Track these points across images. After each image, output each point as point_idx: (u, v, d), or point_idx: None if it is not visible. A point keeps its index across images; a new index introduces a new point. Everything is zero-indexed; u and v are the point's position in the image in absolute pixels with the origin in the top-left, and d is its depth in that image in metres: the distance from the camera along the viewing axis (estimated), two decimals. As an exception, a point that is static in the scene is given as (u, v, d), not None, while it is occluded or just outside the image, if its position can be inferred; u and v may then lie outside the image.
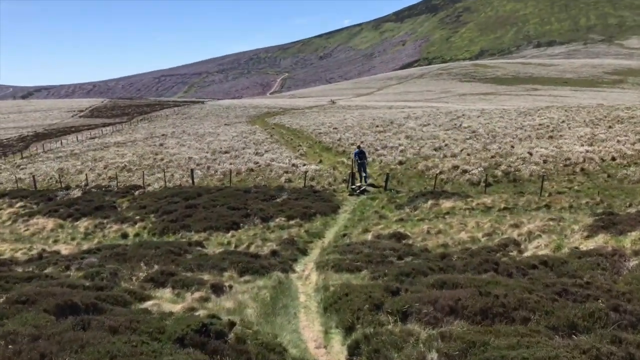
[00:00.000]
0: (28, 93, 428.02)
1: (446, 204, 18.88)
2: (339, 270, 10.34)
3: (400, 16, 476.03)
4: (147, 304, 7.62)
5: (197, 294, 8.41)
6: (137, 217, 19.24)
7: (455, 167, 27.16)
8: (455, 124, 46.76)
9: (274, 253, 12.75)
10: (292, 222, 17.36)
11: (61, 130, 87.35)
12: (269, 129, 55.90)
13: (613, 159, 27.13)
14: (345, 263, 10.73)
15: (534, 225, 14.56)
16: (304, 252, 13.85)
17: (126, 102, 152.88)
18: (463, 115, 55.82)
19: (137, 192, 25.56)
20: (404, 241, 13.92)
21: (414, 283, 8.02)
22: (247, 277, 10.08)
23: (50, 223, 19.70)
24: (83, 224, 19.24)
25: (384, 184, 24.07)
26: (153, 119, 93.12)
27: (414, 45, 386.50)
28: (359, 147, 27.04)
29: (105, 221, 19.20)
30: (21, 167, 45.15)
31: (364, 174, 24.85)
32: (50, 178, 35.11)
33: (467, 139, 37.55)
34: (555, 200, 18.91)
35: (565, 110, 55.35)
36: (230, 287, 9.04)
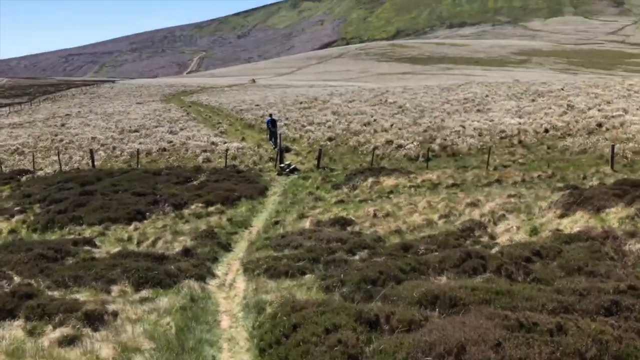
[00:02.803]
0: None
1: (388, 181, 16.67)
2: (274, 274, 7.71)
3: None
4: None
5: (58, 331, 5.47)
6: (17, 209, 15.46)
7: (389, 142, 25.17)
8: (380, 100, 45.13)
9: (186, 252, 9.79)
10: (211, 208, 14.38)
11: (-55, 112, 77.66)
12: (185, 107, 51.73)
13: (546, 130, 26.30)
14: (282, 263, 8.09)
15: (495, 204, 12.62)
16: (227, 248, 10.97)
17: (28, 82, 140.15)
18: (387, 91, 54.54)
19: (24, 178, 21.44)
20: (349, 228, 11.46)
21: (389, 298, 5.55)
22: (145, 293, 7.15)
23: None
24: (-58, 219, 15.24)
25: (315, 161, 21.58)
26: (58, 99, 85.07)
27: (332, 26, 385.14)
28: (270, 115, 27.59)
29: (-27, 215, 15.31)
30: None
31: (276, 142, 25.16)
32: None
33: (395, 114, 35.91)
34: (505, 174, 17.23)
35: (486, 86, 55.50)
36: (116, 314, 6.12)
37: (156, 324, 5.98)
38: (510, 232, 10.26)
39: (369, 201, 14.77)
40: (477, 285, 5.54)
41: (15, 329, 5.75)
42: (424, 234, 10.65)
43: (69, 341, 5.34)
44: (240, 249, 11.01)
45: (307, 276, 7.51)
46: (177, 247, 10.52)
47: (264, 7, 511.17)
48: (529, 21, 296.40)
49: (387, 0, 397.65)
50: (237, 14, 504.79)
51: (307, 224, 12.07)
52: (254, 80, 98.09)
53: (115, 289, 7.25)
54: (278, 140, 24.91)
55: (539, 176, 16.62)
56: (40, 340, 5.39)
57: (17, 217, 14.49)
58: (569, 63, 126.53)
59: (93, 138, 32.91)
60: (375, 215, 12.72)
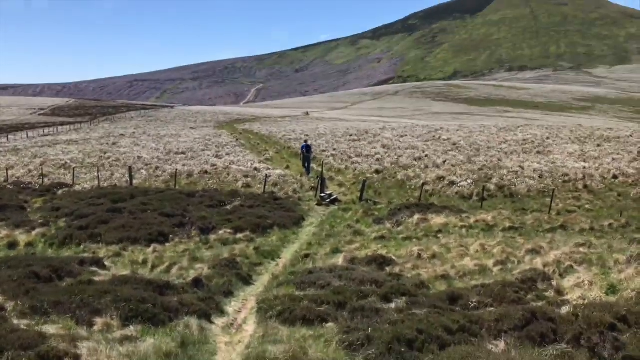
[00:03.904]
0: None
1: (437, 219, 15.07)
2: (290, 319, 6.35)
3: (377, 34, 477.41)
4: None
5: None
6: (41, 221, 14.80)
7: (441, 178, 23.53)
8: (434, 136, 43.55)
9: (197, 283, 8.56)
10: (240, 235, 13.20)
11: (13, 127, 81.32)
12: (236, 134, 51.73)
13: (615, 177, 24.16)
14: (301, 306, 6.73)
15: (561, 253, 10.85)
16: (247, 280, 9.68)
17: (92, 103, 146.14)
18: (441, 128, 53.06)
19: (60, 192, 21.04)
20: (388, 269, 9.96)
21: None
22: (132, 330, 5.92)
23: None
24: (-33, 227, 14.74)
25: (358, 193, 20.20)
26: (116, 120, 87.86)
27: (390, 63, 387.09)
28: (306, 141, 28.01)
29: (-3, 225, 14.74)
30: (-51, 161, 39.72)
31: (309, 168, 25.81)
32: (-28, 174, 30.15)
33: (449, 150, 34.24)
34: (570, 220, 15.31)
35: (546, 128, 53.12)
36: (78, 357, 4.89)
37: (124, 375, 4.73)
38: (581, 288, 8.53)
39: (414, 240, 13.22)
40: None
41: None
42: (475, 282, 9.05)
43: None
44: (262, 282, 9.69)
45: (329, 325, 6.11)
46: (192, 275, 9.32)
47: (323, 43, 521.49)
48: (594, 68, 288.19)
49: (446, 41, 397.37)
50: (297, 49, 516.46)
51: (340, 260, 10.65)
52: (307, 113, 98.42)
53: (99, 321, 6.06)
54: (309, 164, 25.66)
55: (610, 225, 14.63)
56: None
57: (37, 230, 13.75)
58: (636, 112, 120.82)
59: (139, 157, 32.82)
60: (419, 256, 11.19)
